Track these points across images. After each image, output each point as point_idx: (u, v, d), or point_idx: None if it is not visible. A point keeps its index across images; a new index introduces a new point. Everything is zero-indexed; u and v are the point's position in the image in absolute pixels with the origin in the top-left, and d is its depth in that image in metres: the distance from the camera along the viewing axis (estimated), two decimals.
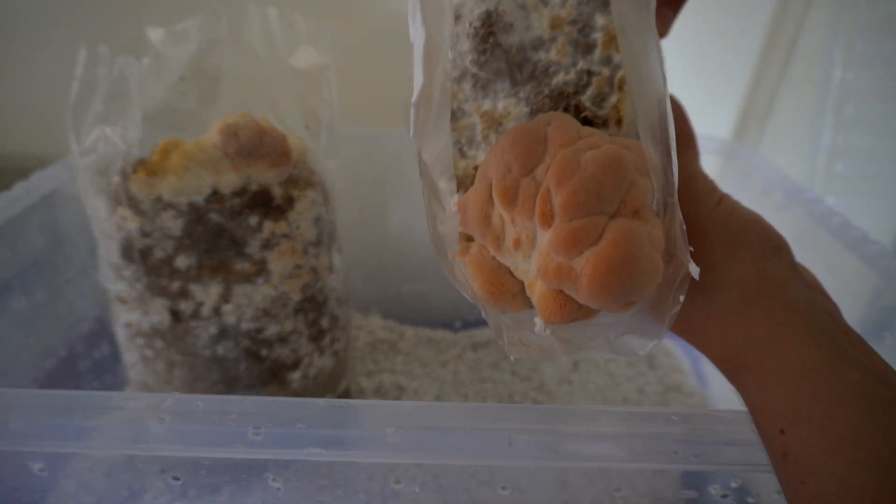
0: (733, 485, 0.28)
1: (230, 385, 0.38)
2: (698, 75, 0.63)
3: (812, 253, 0.42)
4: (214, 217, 0.34)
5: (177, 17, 0.35)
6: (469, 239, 0.23)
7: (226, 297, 0.36)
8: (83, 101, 0.34)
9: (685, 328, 0.26)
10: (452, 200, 0.23)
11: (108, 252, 0.35)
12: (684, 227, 0.21)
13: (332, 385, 0.43)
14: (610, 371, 0.54)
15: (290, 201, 0.36)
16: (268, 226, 0.35)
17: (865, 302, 0.37)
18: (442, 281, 0.27)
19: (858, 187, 0.64)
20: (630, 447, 0.24)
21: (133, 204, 0.33)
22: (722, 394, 0.51)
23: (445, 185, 0.23)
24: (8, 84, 0.62)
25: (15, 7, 0.58)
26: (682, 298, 0.23)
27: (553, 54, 0.22)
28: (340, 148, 0.39)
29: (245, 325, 0.36)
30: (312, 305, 0.39)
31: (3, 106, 0.63)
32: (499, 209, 0.21)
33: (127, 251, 0.34)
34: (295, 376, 0.39)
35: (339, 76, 0.38)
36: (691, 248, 0.21)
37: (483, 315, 0.23)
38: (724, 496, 0.28)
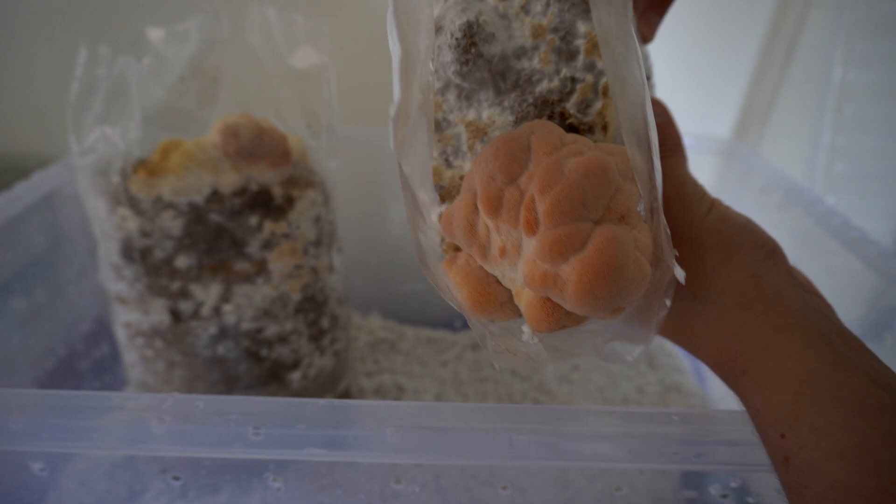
0: (733, 485, 0.28)
1: (230, 385, 0.38)
2: (698, 75, 0.63)
3: (812, 253, 0.42)
4: (214, 217, 0.34)
5: (177, 17, 0.35)
6: (456, 249, 0.23)
7: (226, 298, 0.36)
8: (83, 101, 0.34)
9: (681, 335, 0.26)
10: (437, 211, 0.22)
11: (108, 252, 0.35)
12: (668, 231, 0.21)
13: (332, 385, 0.43)
14: (610, 371, 0.54)
15: (290, 201, 0.36)
16: (268, 226, 0.35)
17: (865, 302, 0.37)
18: None
19: (858, 187, 0.64)
20: (630, 447, 0.24)
21: (133, 204, 0.33)
22: (722, 394, 0.50)
23: (426, 196, 0.22)
24: (8, 84, 0.62)
25: (15, 7, 0.58)
26: (668, 303, 0.23)
27: (536, 62, 0.22)
28: (340, 148, 0.39)
29: (245, 326, 0.36)
30: (312, 305, 0.39)
31: (3, 106, 0.63)
32: (484, 218, 0.21)
33: (127, 251, 0.34)
34: (295, 376, 0.39)
35: (339, 76, 0.38)
36: (676, 252, 0.21)
37: (468, 323, 0.23)
38: (724, 496, 0.28)
